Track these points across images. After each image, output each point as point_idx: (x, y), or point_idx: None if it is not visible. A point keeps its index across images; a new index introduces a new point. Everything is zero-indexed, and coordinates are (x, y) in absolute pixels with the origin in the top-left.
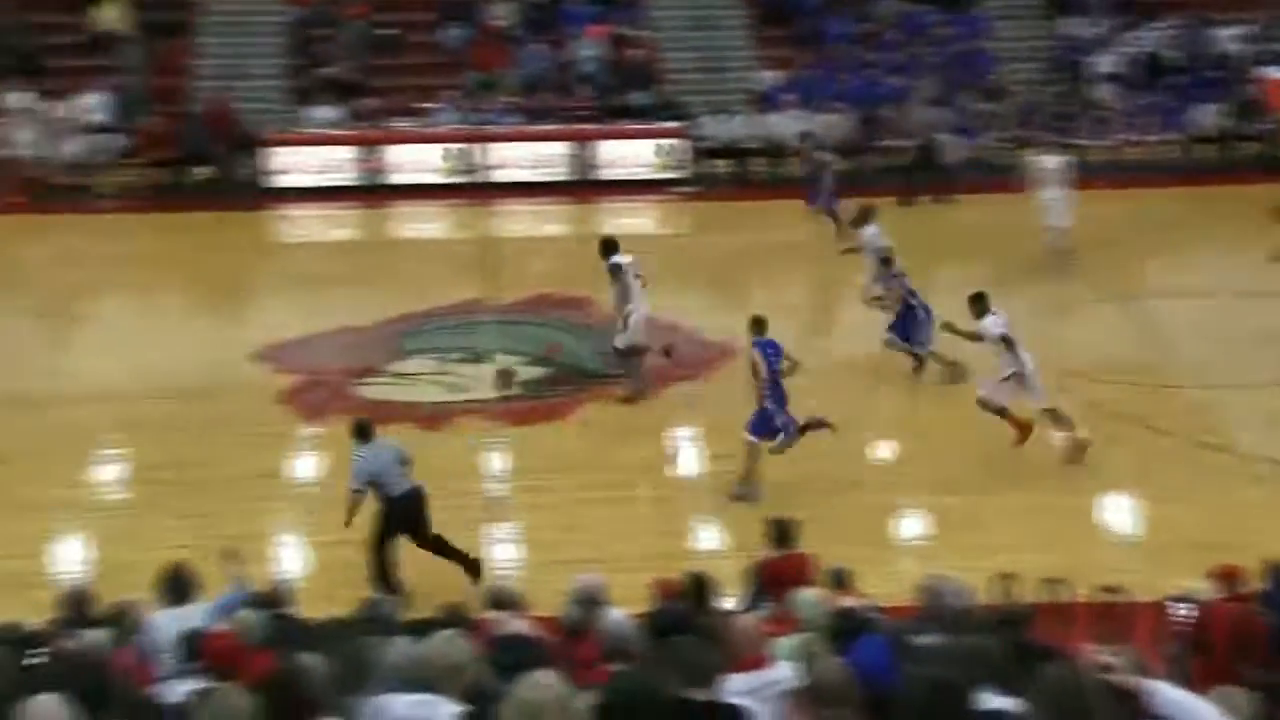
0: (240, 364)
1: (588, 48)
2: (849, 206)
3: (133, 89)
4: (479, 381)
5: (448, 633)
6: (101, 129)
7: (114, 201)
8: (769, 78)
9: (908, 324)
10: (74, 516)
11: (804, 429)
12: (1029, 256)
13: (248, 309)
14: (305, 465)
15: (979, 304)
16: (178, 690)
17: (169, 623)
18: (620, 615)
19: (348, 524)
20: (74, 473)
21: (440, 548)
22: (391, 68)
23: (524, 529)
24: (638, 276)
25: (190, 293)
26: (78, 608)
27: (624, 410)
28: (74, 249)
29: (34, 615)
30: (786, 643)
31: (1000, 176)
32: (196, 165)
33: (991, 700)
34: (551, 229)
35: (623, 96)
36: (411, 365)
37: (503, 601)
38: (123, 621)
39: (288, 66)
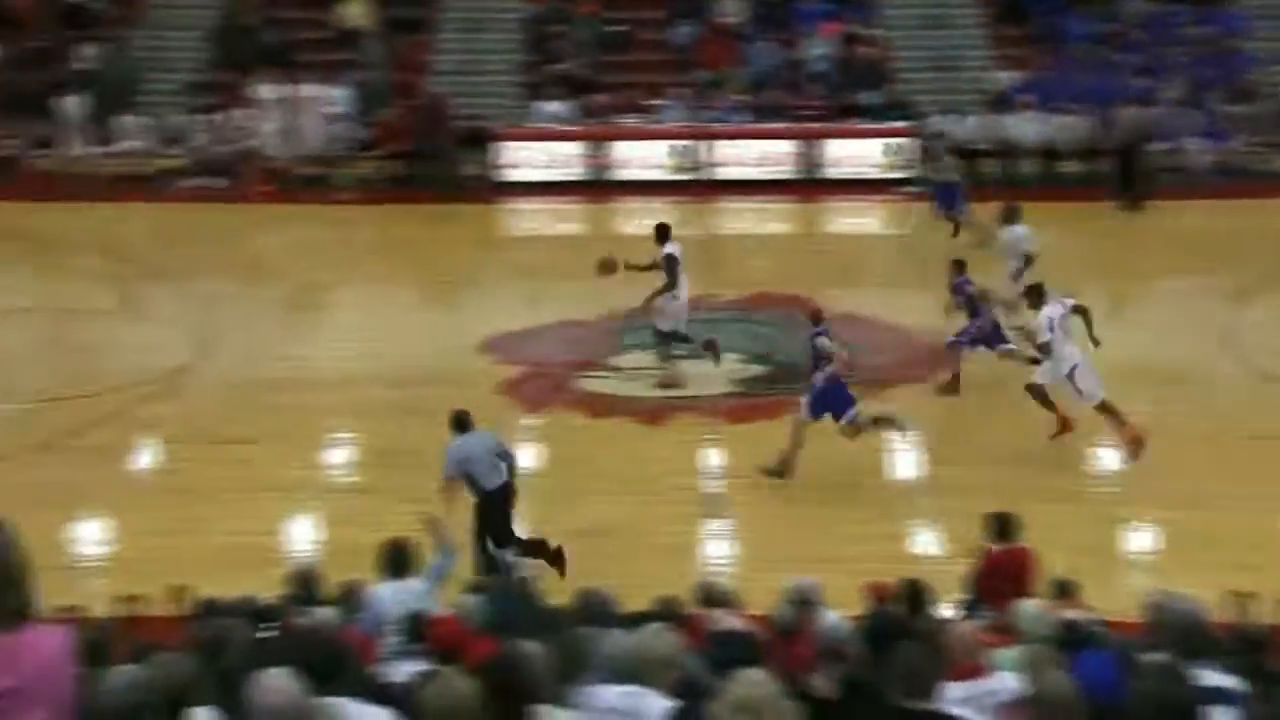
0: (466, 354)
1: (819, 46)
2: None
3: (374, 83)
4: (698, 378)
5: (655, 626)
6: (343, 121)
7: (352, 192)
8: (1005, 78)
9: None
10: (308, 497)
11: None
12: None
13: (474, 300)
14: (524, 456)
15: (1036, 296)
16: (402, 670)
17: (390, 594)
18: (835, 617)
19: (447, 513)
20: (310, 455)
21: (531, 549)
22: (621, 64)
23: (738, 527)
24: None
25: (420, 283)
26: (305, 585)
27: None
28: (314, 239)
29: (266, 591)
30: (1008, 653)
31: (1251, 181)
32: (425, 159)
33: (1212, 677)
34: (775, 227)
35: (853, 95)
36: (633, 360)
37: (715, 598)
38: (348, 600)
39: (521, 62)
